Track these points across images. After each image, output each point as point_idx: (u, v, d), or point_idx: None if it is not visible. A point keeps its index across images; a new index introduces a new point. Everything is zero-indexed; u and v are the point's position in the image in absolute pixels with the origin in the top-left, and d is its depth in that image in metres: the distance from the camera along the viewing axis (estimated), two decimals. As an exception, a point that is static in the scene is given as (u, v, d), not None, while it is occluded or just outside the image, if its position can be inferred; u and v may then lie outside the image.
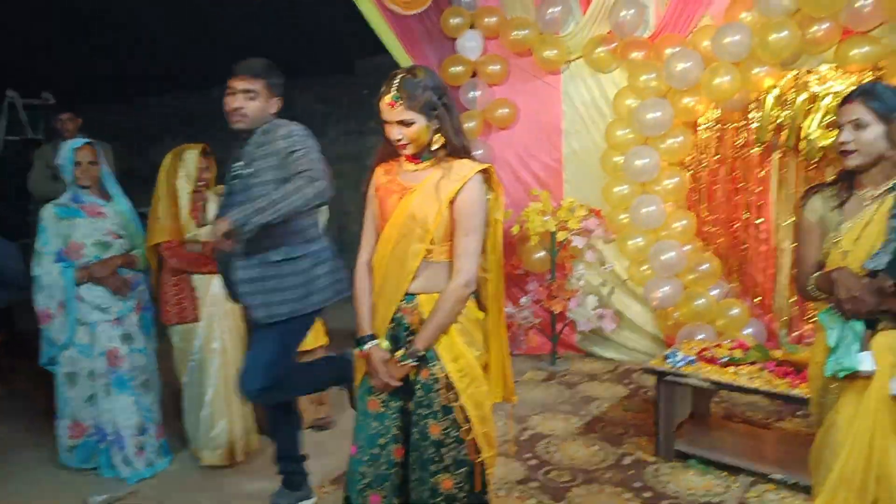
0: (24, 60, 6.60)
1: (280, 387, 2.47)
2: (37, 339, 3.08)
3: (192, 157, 3.07)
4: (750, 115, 4.11)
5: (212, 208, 3.12)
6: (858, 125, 1.83)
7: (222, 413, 3.13)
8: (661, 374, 3.09)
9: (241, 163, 2.43)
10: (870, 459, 1.79)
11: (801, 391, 2.75)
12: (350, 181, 7.44)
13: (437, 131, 1.92)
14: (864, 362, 1.79)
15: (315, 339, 3.49)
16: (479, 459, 1.92)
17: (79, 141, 3.07)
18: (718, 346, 3.29)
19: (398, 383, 1.92)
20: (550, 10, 4.51)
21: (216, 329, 3.12)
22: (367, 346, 1.95)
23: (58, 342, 3.03)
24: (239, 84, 2.39)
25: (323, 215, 3.53)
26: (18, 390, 4.22)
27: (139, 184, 3.84)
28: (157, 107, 8.42)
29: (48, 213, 3.02)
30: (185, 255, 3.04)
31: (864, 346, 1.80)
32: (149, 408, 3.14)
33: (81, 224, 3.01)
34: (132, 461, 3.05)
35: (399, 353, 1.91)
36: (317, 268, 2.49)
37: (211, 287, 3.06)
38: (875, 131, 1.81)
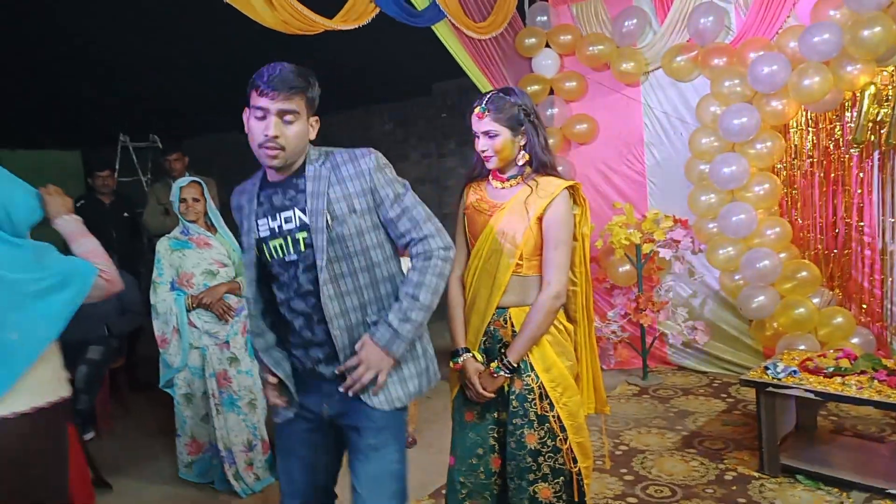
0: (133, 104, 7.16)
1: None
2: (157, 363, 3.33)
3: None
4: (845, 115, 3.95)
5: None
6: None
7: None
8: (761, 386, 2.99)
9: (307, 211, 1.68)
10: None
11: (917, 401, 2.61)
12: (430, 204, 7.64)
13: (522, 147, 1.99)
14: None
15: None
16: (576, 469, 1.94)
17: (184, 180, 3.32)
18: (822, 356, 3.16)
19: (492, 395, 1.97)
20: (627, 23, 4.51)
21: None
22: (461, 359, 2.02)
23: (173, 365, 3.26)
24: (273, 104, 1.62)
25: None
26: (140, 410, 4.54)
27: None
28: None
29: (163, 245, 3.28)
30: None
31: None
32: (255, 425, 3.31)
33: (191, 255, 3.25)
34: (242, 476, 3.23)
35: (493, 364, 1.97)
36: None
37: None
38: None
